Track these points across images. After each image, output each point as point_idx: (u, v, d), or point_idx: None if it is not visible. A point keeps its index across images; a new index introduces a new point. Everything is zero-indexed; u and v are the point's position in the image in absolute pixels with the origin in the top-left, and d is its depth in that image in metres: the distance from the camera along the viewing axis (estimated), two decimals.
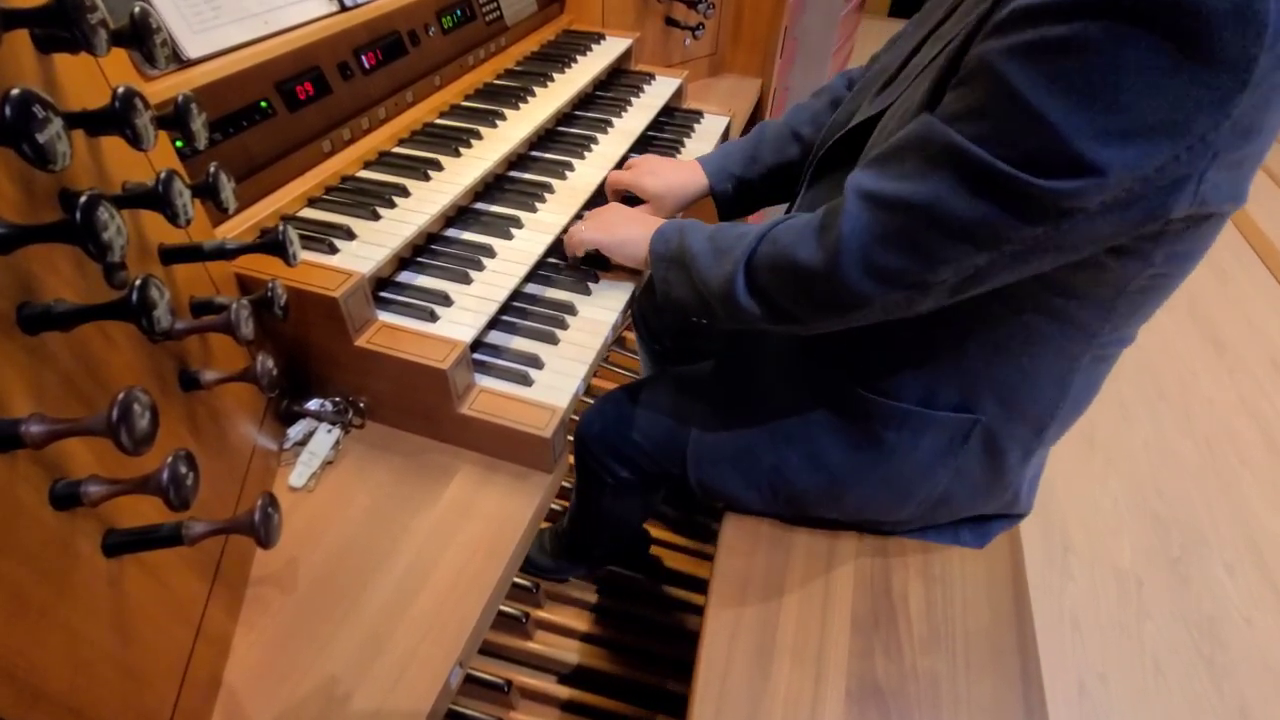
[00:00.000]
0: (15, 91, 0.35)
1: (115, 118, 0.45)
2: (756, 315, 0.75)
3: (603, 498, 1.06)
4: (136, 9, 0.48)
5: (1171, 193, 0.52)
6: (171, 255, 0.60)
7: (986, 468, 0.83)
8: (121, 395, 0.40)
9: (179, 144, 0.70)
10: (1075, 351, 0.71)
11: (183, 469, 0.44)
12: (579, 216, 1.02)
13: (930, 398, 0.78)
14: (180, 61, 0.76)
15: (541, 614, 1.40)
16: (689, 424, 0.94)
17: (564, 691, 1.31)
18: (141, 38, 0.48)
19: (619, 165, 1.14)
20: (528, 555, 1.39)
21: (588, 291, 0.97)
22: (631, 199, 1.10)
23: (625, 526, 1.14)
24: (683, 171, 1.07)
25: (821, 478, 0.87)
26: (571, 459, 1.06)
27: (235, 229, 0.80)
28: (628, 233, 0.92)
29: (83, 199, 0.39)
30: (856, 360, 0.81)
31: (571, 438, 0.97)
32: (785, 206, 1.01)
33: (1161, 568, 1.66)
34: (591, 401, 1.06)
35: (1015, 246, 0.57)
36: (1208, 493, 1.84)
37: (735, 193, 1.08)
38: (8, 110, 0.35)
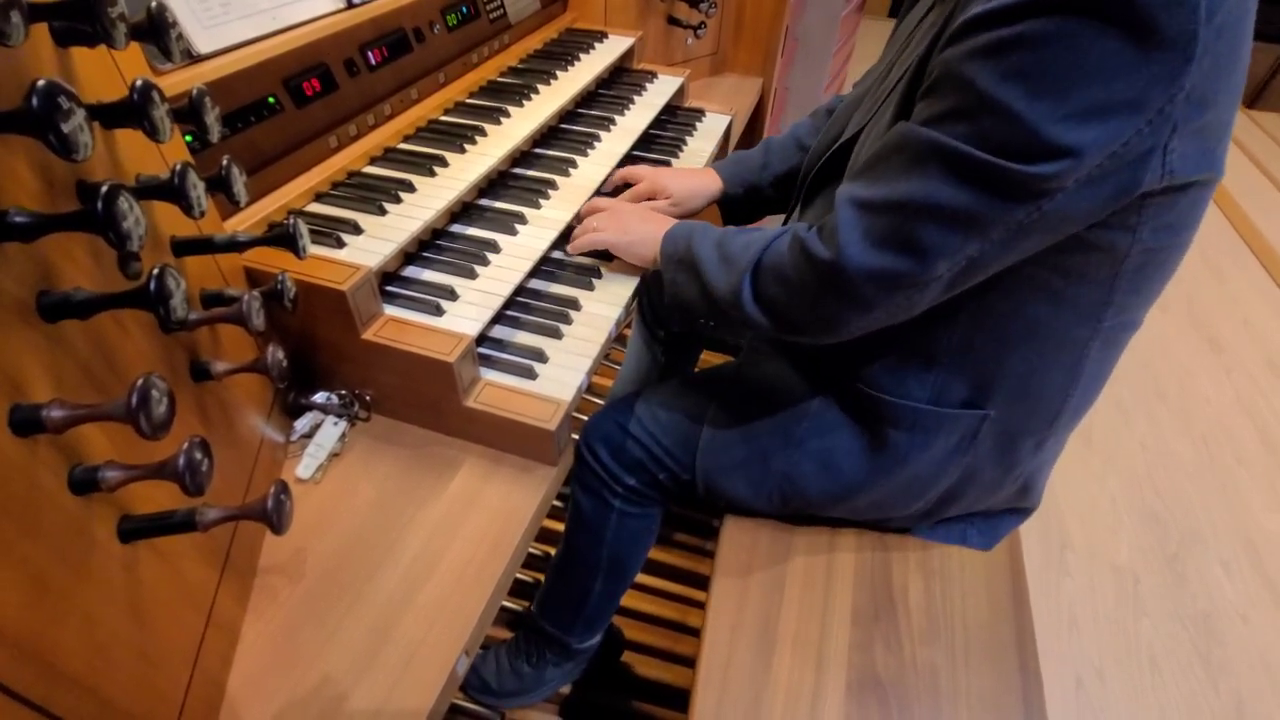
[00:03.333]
0: (41, 83, 0.36)
1: (134, 110, 0.46)
2: (764, 325, 0.77)
3: (609, 516, 0.98)
4: (153, 3, 0.49)
5: (1139, 166, 0.56)
6: (183, 247, 0.61)
7: (998, 462, 0.83)
8: (140, 381, 0.41)
9: (188, 138, 0.71)
10: (1082, 337, 0.72)
11: (198, 455, 0.45)
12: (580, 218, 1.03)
13: (939, 396, 0.79)
14: (190, 57, 0.77)
15: None
16: (700, 424, 0.93)
17: (564, 687, 1.32)
18: (158, 32, 0.49)
19: (621, 163, 1.16)
20: (482, 681, 1.19)
21: (591, 287, 0.98)
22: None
23: (620, 568, 1.04)
24: (699, 176, 1.11)
25: (834, 483, 0.87)
26: (565, 486, 0.96)
27: (242, 223, 0.81)
28: (638, 233, 0.94)
29: (104, 188, 0.40)
30: (865, 363, 0.81)
31: (576, 435, 0.96)
32: (783, 218, 1.02)
33: (1158, 565, 1.67)
34: (593, 399, 1.05)
35: (1001, 232, 0.60)
36: (1205, 491, 1.85)
37: (745, 198, 1.12)
38: (35, 101, 0.36)
